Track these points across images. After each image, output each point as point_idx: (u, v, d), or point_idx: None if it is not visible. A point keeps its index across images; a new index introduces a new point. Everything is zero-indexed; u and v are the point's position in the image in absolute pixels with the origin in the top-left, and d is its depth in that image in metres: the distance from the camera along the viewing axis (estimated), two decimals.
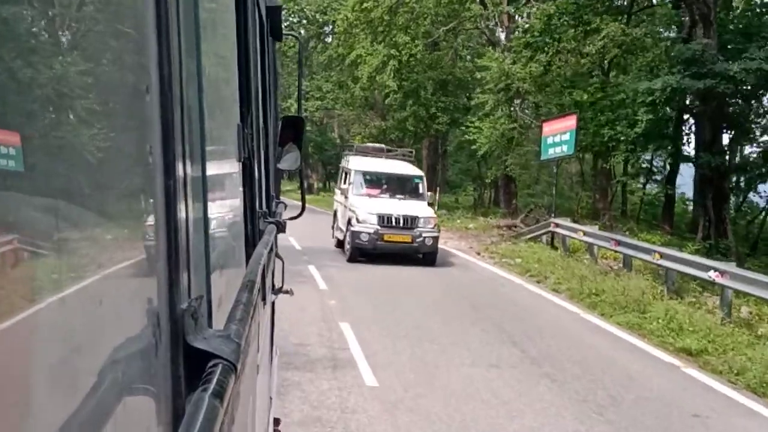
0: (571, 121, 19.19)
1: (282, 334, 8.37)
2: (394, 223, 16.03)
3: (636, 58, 24.50)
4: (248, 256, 2.14)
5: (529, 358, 8.88)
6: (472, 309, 11.70)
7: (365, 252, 16.12)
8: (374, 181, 17.90)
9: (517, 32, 27.53)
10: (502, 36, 29.08)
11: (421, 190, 17.69)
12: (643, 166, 30.51)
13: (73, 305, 0.66)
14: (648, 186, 32.53)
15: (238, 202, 2.04)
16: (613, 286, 13.18)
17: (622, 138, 20.87)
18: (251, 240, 2.27)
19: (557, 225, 18.81)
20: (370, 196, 17.17)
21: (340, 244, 17.89)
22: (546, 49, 22.68)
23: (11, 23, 0.58)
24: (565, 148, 19.32)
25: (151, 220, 0.89)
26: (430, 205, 18.18)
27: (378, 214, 16.03)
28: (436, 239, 16.26)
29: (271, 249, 2.99)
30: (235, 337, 1.15)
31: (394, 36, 28.84)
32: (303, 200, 4.31)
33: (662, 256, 13.36)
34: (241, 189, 2.09)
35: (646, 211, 31.75)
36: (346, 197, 17.37)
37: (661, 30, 25.74)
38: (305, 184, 4.72)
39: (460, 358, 8.71)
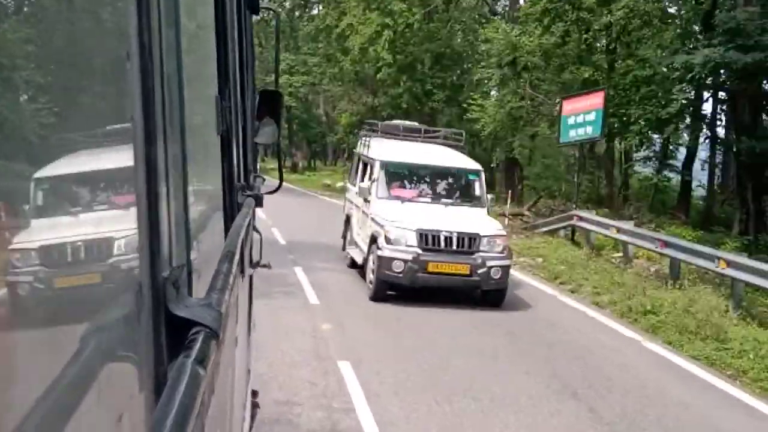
0: (597, 99, 16.65)
1: (261, 382, 5.81)
2: (443, 245, 10.23)
3: (657, 31, 22.10)
4: (227, 229, 2.14)
5: (606, 426, 6.38)
6: (507, 337, 9.14)
7: (396, 285, 10.40)
8: (409, 177, 11.98)
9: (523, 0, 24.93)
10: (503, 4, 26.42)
11: (478, 192, 11.76)
12: (655, 149, 28.18)
13: (54, 273, 0.67)
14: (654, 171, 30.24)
15: (217, 175, 2.04)
16: (669, 300, 10.75)
17: (653, 118, 18.33)
18: (230, 213, 2.27)
19: (581, 218, 16.33)
20: (402, 200, 11.28)
21: (354, 264, 12.26)
22: (564, 17, 20.05)
23: None
24: (590, 129, 16.79)
25: (132, 189, 0.89)
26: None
27: (419, 230, 10.21)
28: (506, 270, 10.40)
29: (249, 222, 2.97)
30: (217, 305, 1.16)
31: (389, 3, 26.07)
32: (281, 175, 4.34)
33: (728, 264, 10.92)
34: (219, 161, 2.08)
35: (652, 198, 29.50)
36: (366, 200, 11.64)
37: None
38: (282, 159, 4.43)
39: (511, 426, 6.20)
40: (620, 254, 15.28)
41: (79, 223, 0.78)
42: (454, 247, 10.24)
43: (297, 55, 49.76)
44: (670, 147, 26.82)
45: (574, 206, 17.86)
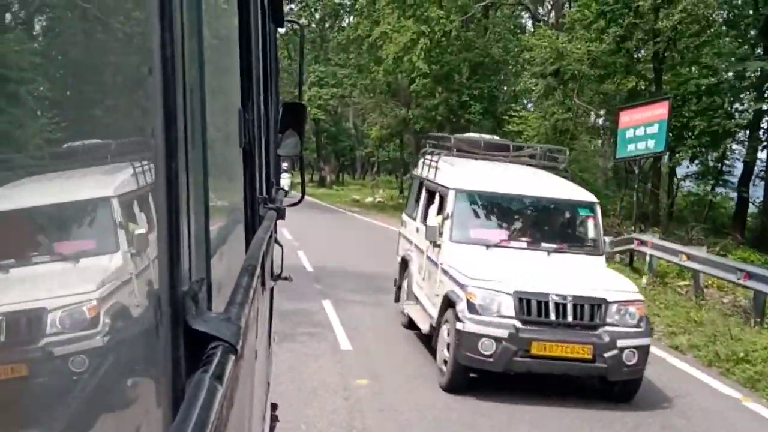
0: (661, 109, 15.01)
1: None
2: (553, 315, 7.01)
3: (713, 37, 20.39)
4: (248, 242, 2.13)
5: None
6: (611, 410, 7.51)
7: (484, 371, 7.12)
8: (496, 212, 8.69)
9: (569, 5, 23.34)
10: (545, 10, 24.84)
11: (593, 233, 8.44)
12: (708, 163, 26.31)
13: (74, 287, 0.68)
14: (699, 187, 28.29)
15: (238, 187, 2.04)
16: (763, 344, 9.08)
17: (720, 130, 16.61)
18: (251, 225, 2.26)
19: (642, 243, 14.63)
20: (488, 245, 7.99)
21: (412, 325, 9.03)
22: (619, 21, 18.44)
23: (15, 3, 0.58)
24: (651, 143, 15.15)
25: (152, 202, 0.89)
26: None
27: (518, 293, 7.01)
28: (644, 353, 7.12)
29: (271, 235, 2.96)
30: (236, 319, 1.16)
31: (425, 10, 24.65)
32: (303, 188, 4.11)
33: None
34: (241, 174, 2.08)
35: (705, 216, 27.52)
36: (435, 244, 8.30)
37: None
38: (306, 172, 4.02)
39: None
40: (688, 283, 13.59)
41: (99, 235, 0.76)
42: (569, 319, 6.99)
43: (327, 66, 48.60)
44: (727, 161, 24.95)
45: (632, 228, 16.15)
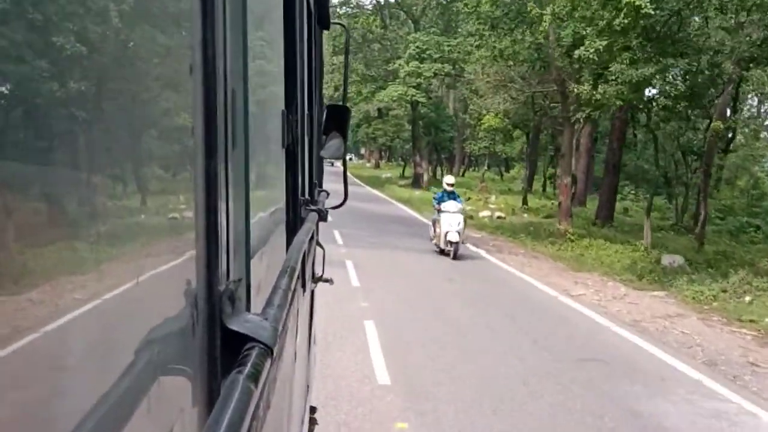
0: None
1: None
2: None
3: None
4: (289, 243, 2.13)
5: None
6: None
7: None
8: None
9: None
10: None
11: None
12: None
13: (111, 284, 0.67)
14: None
15: (280, 188, 2.05)
16: None
17: None
18: (292, 227, 2.28)
19: None
20: None
21: None
22: None
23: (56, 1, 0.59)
24: None
25: (192, 202, 0.89)
26: None
27: None
28: None
29: (312, 237, 3.03)
30: (273, 321, 1.15)
31: None
32: (345, 189, 3.97)
33: None
34: (284, 175, 2.10)
35: None
36: None
37: None
38: (347, 172, 3.97)
39: None
40: None
41: (138, 233, 0.77)
42: None
43: (429, 35, 38.63)
44: None
45: None
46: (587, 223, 25.26)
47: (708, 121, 21.70)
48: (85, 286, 0.62)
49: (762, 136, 42.07)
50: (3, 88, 0.52)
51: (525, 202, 32.01)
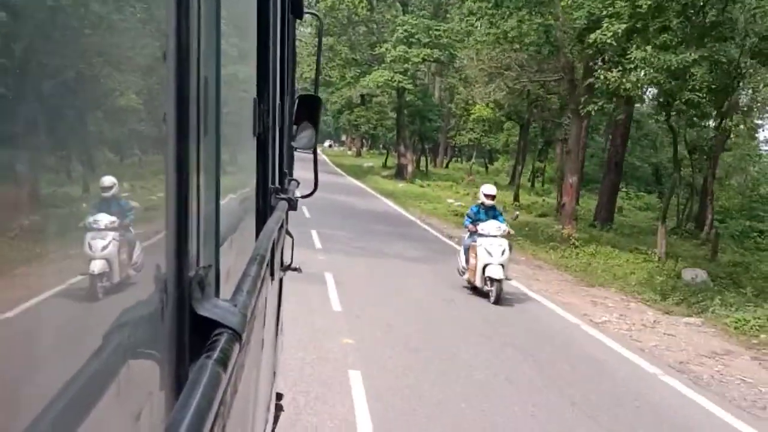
0: None
1: None
2: None
3: None
4: (258, 231, 2.13)
5: None
6: None
7: None
8: None
9: None
10: None
11: None
12: None
13: (81, 268, 0.67)
14: None
15: (251, 176, 2.07)
16: None
17: None
18: (262, 215, 2.28)
19: None
20: None
21: None
22: None
23: None
24: None
25: (163, 188, 0.89)
26: None
27: None
28: None
29: (282, 225, 3.04)
30: (242, 307, 1.15)
31: None
32: (316, 178, 4.00)
33: None
34: (254, 163, 2.11)
35: None
36: None
37: None
38: (317, 161, 4.11)
39: None
40: None
41: (106, 217, 0.76)
42: None
43: (418, 18, 36.45)
44: None
45: None
46: (585, 224, 23.34)
47: (719, 117, 19.86)
48: (56, 270, 0.62)
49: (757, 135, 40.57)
50: None
51: (516, 198, 30.03)
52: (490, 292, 10.50)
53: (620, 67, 13.69)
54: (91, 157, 0.73)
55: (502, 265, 10.56)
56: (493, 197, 11.42)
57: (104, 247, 0.75)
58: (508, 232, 11.16)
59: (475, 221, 11.28)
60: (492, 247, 10.68)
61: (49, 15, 0.61)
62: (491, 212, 11.40)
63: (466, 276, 11.28)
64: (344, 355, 7.33)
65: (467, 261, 11.24)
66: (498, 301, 10.39)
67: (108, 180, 0.73)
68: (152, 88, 0.90)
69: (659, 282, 14.18)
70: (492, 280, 10.47)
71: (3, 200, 0.54)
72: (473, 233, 11.12)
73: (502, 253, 10.65)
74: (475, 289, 10.94)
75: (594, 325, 10.14)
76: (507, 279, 10.79)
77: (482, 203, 11.44)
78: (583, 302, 11.78)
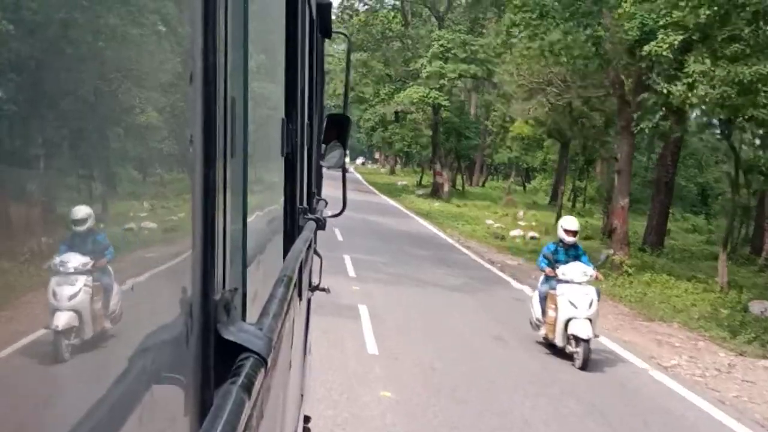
0: None
1: None
2: None
3: None
4: (286, 252, 2.11)
5: None
6: None
7: None
8: None
9: None
10: None
11: None
12: None
13: (105, 289, 0.67)
14: None
15: (278, 197, 2.04)
16: None
17: None
18: (290, 235, 2.25)
19: None
20: None
21: None
22: None
23: (56, 6, 0.58)
24: None
25: (189, 209, 0.88)
26: None
27: None
28: None
29: (310, 245, 2.97)
30: (268, 331, 1.13)
31: None
32: (344, 197, 3.83)
33: None
34: (282, 183, 2.09)
35: None
36: None
37: None
38: (346, 180, 3.80)
39: None
40: None
41: (132, 239, 0.75)
42: None
43: (455, 33, 35.50)
44: None
45: None
46: (634, 248, 22.01)
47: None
48: (83, 292, 0.61)
49: None
50: (3, 95, 0.51)
51: (558, 218, 28.75)
52: (575, 354, 8.42)
53: (684, 81, 12.51)
54: (120, 179, 0.71)
55: (590, 320, 8.40)
56: (575, 233, 9.21)
57: (133, 270, 0.73)
58: (596, 277, 8.98)
59: (553, 263, 9.06)
60: (577, 296, 8.51)
61: (77, 40, 0.60)
62: (573, 251, 9.16)
63: (542, 332, 9.09)
64: (382, 413, 6.28)
65: (544, 313, 9.01)
66: (585, 366, 8.26)
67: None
68: (179, 107, 0.89)
69: (725, 316, 12.90)
70: (578, 339, 8.36)
71: (31, 222, 0.54)
72: (551, 278, 8.96)
73: (590, 304, 8.47)
74: (552, 348, 8.86)
75: (663, 369, 8.95)
76: (596, 336, 8.64)
77: (561, 240, 9.18)
78: (646, 341, 10.58)
